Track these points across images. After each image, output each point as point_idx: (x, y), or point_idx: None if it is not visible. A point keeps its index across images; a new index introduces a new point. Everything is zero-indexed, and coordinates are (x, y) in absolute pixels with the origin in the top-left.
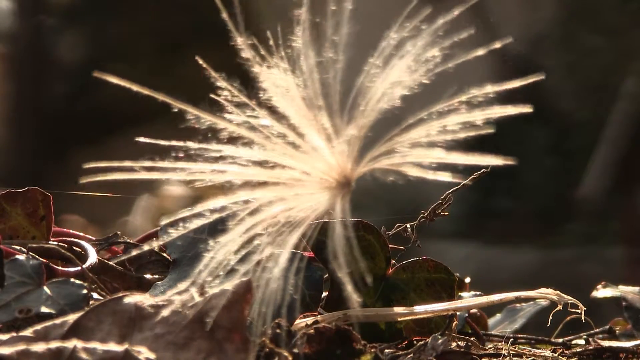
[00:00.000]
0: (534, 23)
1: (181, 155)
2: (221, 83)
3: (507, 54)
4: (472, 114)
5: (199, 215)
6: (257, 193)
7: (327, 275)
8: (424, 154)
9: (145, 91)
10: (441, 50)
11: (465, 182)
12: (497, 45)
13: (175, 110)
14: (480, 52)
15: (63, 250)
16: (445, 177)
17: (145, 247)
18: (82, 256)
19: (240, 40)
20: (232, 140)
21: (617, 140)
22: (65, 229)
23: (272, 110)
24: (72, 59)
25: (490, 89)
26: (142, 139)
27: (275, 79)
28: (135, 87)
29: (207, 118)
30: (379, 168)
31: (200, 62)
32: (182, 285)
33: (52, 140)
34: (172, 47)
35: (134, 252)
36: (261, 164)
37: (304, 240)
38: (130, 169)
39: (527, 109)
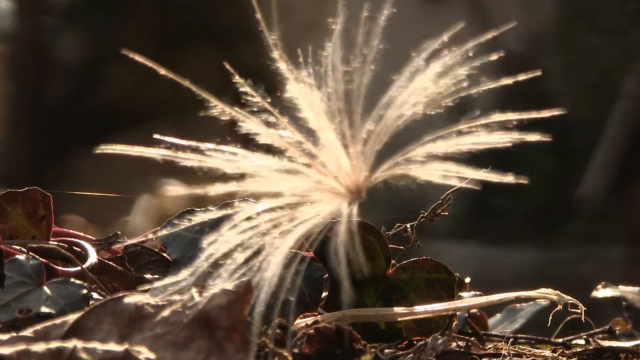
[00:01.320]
0: (533, 23)
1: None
2: (245, 88)
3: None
4: (492, 137)
5: (200, 213)
6: (266, 194)
7: (327, 275)
8: (438, 166)
9: (170, 75)
10: (467, 70)
11: (464, 182)
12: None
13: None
14: (506, 81)
15: (63, 250)
16: (456, 183)
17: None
18: (82, 256)
19: (271, 42)
20: (248, 143)
21: (617, 140)
22: (65, 229)
23: (291, 115)
24: (72, 59)
25: (512, 116)
26: (159, 137)
27: (299, 85)
28: (162, 71)
29: (230, 111)
30: (391, 175)
31: (227, 67)
32: (182, 274)
33: (52, 141)
34: (172, 47)
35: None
36: (276, 167)
37: (307, 242)
38: (149, 151)
39: (546, 138)
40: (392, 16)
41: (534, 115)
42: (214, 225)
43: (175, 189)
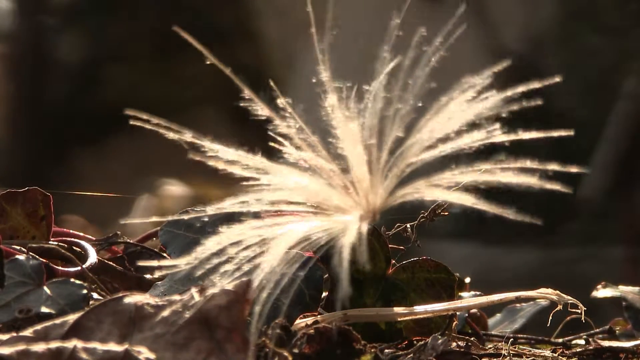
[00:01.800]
0: (534, 23)
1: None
2: (282, 102)
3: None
4: (515, 179)
5: (200, 215)
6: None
7: (327, 275)
8: (456, 196)
9: (217, 64)
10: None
11: (464, 183)
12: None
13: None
14: (539, 135)
15: (63, 250)
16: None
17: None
18: (82, 256)
19: (319, 56)
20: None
21: (617, 140)
22: (65, 229)
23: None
24: (72, 59)
25: (537, 165)
26: (186, 138)
27: (337, 102)
28: (211, 59)
29: (265, 109)
30: (408, 199)
31: (272, 85)
32: (183, 260)
33: (52, 140)
34: (172, 47)
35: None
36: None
37: (314, 248)
38: (178, 131)
39: (567, 190)
40: (391, 15)
41: (559, 168)
42: (216, 225)
43: (174, 189)
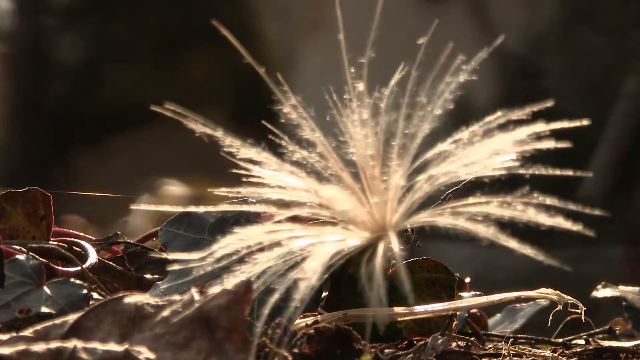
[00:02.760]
0: (534, 23)
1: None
2: (294, 103)
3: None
4: (536, 216)
5: (201, 213)
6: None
7: (326, 275)
8: (469, 226)
9: (250, 61)
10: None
11: (464, 182)
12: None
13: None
14: (556, 172)
15: (63, 250)
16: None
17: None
18: (82, 256)
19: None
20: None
21: (617, 140)
22: (65, 229)
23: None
24: (72, 59)
25: (556, 202)
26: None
27: (355, 123)
28: (245, 55)
29: (294, 114)
30: (423, 224)
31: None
32: (196, 255)
33: (52, 141)
34: (172, 47)
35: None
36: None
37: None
38: (203, 124)
39: (589, 233)
40: (391, 15)
41: (573, 207)
42: (213, 225)
43: (174, 189)
